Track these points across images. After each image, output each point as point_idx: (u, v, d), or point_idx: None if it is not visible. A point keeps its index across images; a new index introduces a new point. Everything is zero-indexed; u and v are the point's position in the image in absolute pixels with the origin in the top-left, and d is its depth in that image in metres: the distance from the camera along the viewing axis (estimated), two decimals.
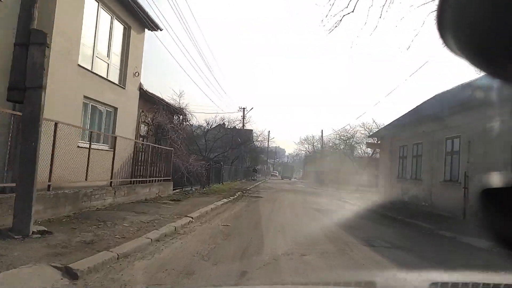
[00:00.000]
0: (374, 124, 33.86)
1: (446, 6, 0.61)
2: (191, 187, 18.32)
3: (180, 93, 26.76)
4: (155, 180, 13.91)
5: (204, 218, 9.94)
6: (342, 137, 38.08)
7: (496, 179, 0.67)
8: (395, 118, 21.03)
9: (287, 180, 62.13)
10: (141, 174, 13.04)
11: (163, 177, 14.77)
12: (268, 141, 60.67)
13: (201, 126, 28.47)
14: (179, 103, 19.04)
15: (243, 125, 35.07)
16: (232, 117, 38.64)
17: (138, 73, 13.58)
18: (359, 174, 36.11)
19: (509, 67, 0.62)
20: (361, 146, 38.36)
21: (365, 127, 33.86)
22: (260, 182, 37.94)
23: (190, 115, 19.86)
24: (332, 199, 20.71)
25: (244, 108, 35.25)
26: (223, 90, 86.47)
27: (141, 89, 14.07)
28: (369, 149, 34.37)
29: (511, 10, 0.55)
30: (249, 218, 10.78)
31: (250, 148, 43.12)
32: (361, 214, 13.42)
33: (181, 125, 18.79)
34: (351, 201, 19.44)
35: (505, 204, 0.66)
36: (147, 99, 15.00)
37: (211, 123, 29.33)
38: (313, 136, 57.99)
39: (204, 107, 79.80)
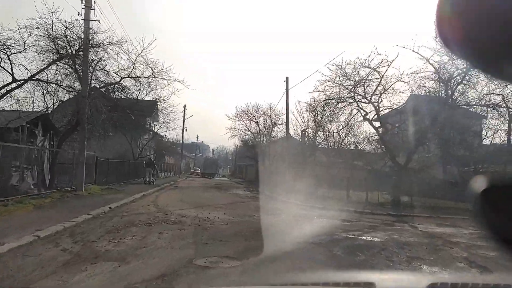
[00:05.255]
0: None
1: (445, 6, 0.60)
2: None
3: None
4: None
5: None
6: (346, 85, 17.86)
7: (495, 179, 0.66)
8: None
9: (209, 178, 44.81)
10: None
11: None
12: (184, 118, 42.31)
13: None
14: None
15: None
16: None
17: None
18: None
19: (509, 67, 0.61)
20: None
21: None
22: (156, 190, 20.10)
23: None
24: None
25: None
26: None
27: None
28: None
29: (510, 10, 0.55)
30: None
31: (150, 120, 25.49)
32: None
33: None
34: None
35: (505, 203, 0.65)
36: None
37: None
38: (258, 106, 33.35)
39: None
